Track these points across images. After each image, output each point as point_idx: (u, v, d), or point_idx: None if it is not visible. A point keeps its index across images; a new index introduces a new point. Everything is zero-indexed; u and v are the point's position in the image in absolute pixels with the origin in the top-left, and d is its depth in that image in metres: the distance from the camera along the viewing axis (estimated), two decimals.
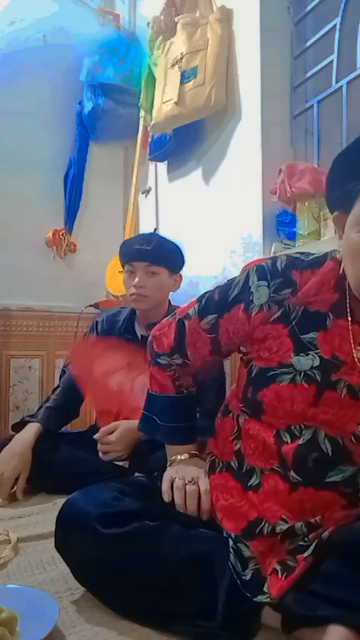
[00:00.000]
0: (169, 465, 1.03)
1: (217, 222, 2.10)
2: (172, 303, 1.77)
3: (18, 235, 2.51)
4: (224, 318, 0.91)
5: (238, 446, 0.93)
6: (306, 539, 0.80)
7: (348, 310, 0.80)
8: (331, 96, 1.86)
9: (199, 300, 0.97)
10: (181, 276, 1.73)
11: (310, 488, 0.81)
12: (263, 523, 0.84)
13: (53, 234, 2.60)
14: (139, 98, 2.48)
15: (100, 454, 1.53)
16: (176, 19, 2.15)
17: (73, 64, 2.61)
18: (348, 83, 1.77)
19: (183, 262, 1.72)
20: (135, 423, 1.44)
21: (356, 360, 0.79)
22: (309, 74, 1.95)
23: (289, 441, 0.83)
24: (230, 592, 0.80)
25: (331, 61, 1.84)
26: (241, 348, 0.95)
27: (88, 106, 2.56)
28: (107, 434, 1.52)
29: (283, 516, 0.83)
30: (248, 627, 0.80)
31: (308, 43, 1.94)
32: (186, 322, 0.97)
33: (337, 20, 1.80)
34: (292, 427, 0.83)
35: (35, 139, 2.55)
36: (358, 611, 0.70)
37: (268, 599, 0.77)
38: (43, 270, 2.58)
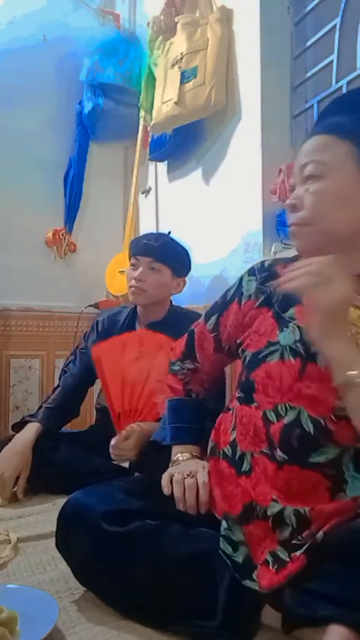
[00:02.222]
0: (171, 465, 1.04)
1: (217, 222, 2.10)
2: (173, 304, 1.78)
3: (18, 235, 2.51)
4: (224, 315, 1.03)
5: (233, 436, 0.95)
6: (300, 537, 0.80)
7: None
8: (331, 96, 1.85)
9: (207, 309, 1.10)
10: (184, 282, 1.74)
11: (296, 467, 0.82)
12: (256, 506, 0.85)
13: (53, 234, 2.60)
14: (139, 98, 2.48)
15: (112, 456, 1.51)
16: (176, 19, 2.15)
17: (73, 64, 2.61)
18: (348, 83, 1.77)
19: (189, 268, 1.73)
20: (147, 425, 1.45)
21: None
22: (309, 74, 1.95)
23: (275, 421, 0.85)
24: (230, 592, 0.80)
25: (331, 61, 1.83)
26: (237, 340, 1.00)
27: (88, 106, 2.56)
28: (124, 439, 1.49)
29: (273, 497, 0.84)
30: (248, 627, 0.80)
31: (308, 43, 1.94)
32: (195, 330, 1.11)
33: (337, 20, 1.80)
34: (279, 407, 0.85)
35: (35, 139, 2.55)
36: (358, 610, 0.70)
37: (256, 587, 0.79)
38: (43, 270, 2.58)
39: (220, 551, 0.84)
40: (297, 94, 1.98)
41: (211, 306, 1.08)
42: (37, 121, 2.56)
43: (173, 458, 1.05)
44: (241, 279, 1.00)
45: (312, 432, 0.82)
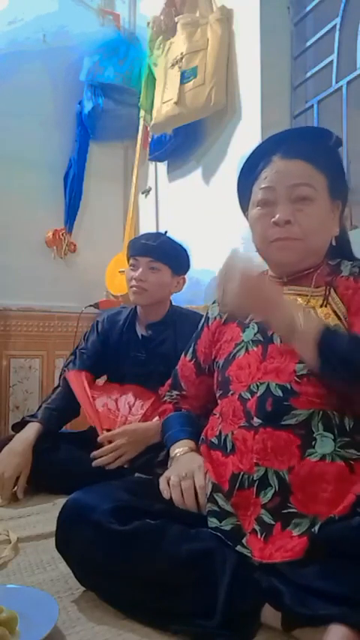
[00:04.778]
0: (170, 462, 1.07)
1: (217, 222, 2.10)
2: (173, 304, 1.78)
3: (18, 235, 2.51)
4: (198, 343, 1.19)
5: (218, 429, 1.01)
6: (288, 504, 0.85)
7: None
8: (331, 96, 1.86)
9: None
10: (184, 280, 1.73)
11: (269, 428, 0.90)
12: (244, 475, 0.90)
13: (53, 234, 2.60)
14: (139, 98, 2.48)
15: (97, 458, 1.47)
16: (176, 19, 2.16)
17: (73, 64, 2.61)
18: (348, 83, 1.77)
19: (188, 266, 1.73)
20: (141, 425, 1.46)
21: None
22: (309, 74, 1.95)
23: (250, 398, 0.95)
24: (230, 591, 0.80)
25: (331, 61, 1.84)
26: (212, 357, 1.13)
27: (88, 106, 2.56)
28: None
29: (255, 461, 0.89)
30: (248, 627, 0.80)
31: (308, 43, 1.95)
32: (178, 366, 1.25)
33: (337, 20, 1.81)
34: (251, 386, 0.96)
35: (35, 139, 2.56)
36: (359, 609, 0.70)
37: (249, 554, 0.84)
38: (43, 270, 2.58)
39: (210, 531, 0.87)
40: (297, 94, 1.98)
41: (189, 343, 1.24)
42: (37, 121, 2.57)
43: (171, 455, 1.08)
44: (207, 311, 1.20)
45: (282, 395, 0.92)
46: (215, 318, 1.15)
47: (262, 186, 1.00)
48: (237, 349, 1.04)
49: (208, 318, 1.18)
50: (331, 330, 0.88)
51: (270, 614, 0.80)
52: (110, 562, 0.86)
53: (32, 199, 2.55)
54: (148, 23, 2.36)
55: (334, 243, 1.03)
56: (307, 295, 1.00)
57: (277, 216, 0.96)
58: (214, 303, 1.19)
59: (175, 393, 1.25)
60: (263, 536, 0.85)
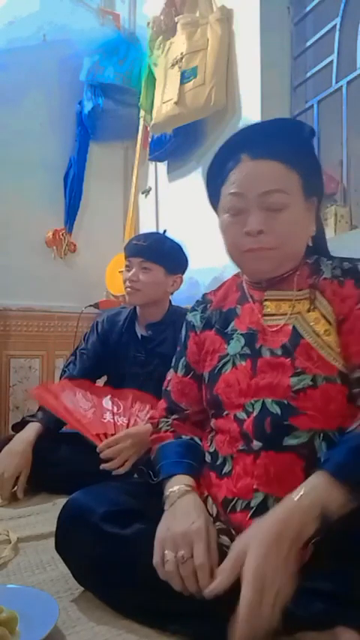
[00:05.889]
0: (163, 501, 0.91)
1: (217, 222, 2.09)
2: (172, 304, 1.78)
3: (18, 235, 2.52)
4: (188, 355, 1.09)
5: (213, 448, 0.96)
6: None
7: (249, 297, 1.01)
8: (331, 96, 1.86)
9: None
10: (181, 279, 1.73)
11: (271, 452, 0.85)
12: (238, 501, 0.86)
13: (53, 234, 2.60)
14: (139, 98, 2.48)
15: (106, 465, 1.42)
16: (176, 19, 2.16)
17: (73, 64, 2.61)
18: (348, 83, 1.77)
19: (183, 265, 1.72)
20: (141, 428, 1.45)
21: (265, 326, 0.95)
22: (309, 74, 1.95)
23: (246, 418, 0.90)
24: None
25: (331, 61, 1.84)
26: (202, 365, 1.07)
27: (88, 106, 2.56)
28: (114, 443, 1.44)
29: (255, 487, 0.84)
30: None
31: (308, 43, 1.95)
32: (169, 385, 1.12)
33: (337, 20, 1.81)
34: (246, 406, 0.91)
35: (35, 139, 2.56)
36: None
37: None
38: (43, 270, 2.59)
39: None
40: (297, 94, 1.98)
41: (173, 361, 1.14)
42: (37, 121, 2.57)
43: (166, 493, 0.91)
44: (187, 320, 1.13)
45: (280, 413, 0.86)
46: (200, 326, 1.08)
47: (231, 191, 0.92)
48: (222, 363, 0.97)
49: (193, 325, 1.09)
50: (335, 463, 0.76)
51: None
52: (109, 565, 0.85)
53: (32, 199, 2.55)
54: (148, 23, 2.36)
55: (310, 244, 0.97)
56: (290, 300, 0.94)
57: (249, 226, 0.89)
58: (193, 311, 1.12)
59: (173, 417, 1.09)
60: None
